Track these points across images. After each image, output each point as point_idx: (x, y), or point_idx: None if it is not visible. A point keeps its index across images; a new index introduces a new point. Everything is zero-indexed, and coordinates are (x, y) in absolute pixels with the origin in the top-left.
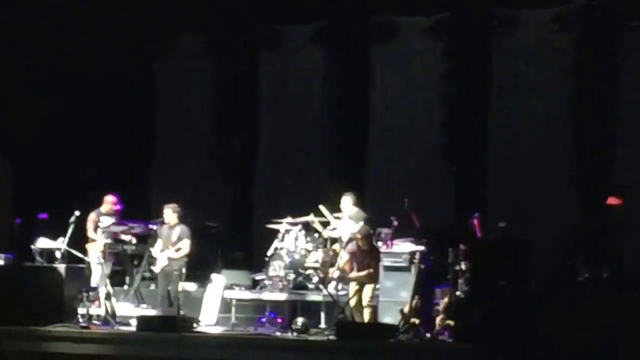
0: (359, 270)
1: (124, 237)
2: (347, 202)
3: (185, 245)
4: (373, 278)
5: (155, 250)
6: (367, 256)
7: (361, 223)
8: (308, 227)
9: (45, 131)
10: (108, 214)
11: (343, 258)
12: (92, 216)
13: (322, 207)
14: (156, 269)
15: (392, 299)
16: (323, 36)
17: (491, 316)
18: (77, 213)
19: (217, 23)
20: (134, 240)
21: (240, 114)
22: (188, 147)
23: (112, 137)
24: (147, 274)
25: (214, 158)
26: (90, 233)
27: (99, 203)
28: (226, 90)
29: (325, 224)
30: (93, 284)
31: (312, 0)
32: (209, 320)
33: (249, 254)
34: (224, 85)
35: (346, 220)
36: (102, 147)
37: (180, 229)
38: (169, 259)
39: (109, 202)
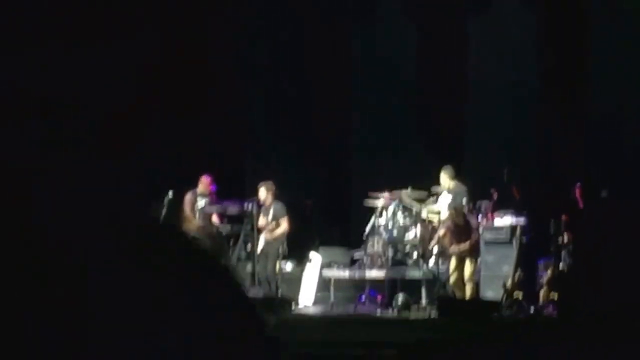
0: (457, 243)
1: (215, 218)
2: (445, 175)
3: (282, 224)
4: (472, 252)
5: (252, 230)
6: (463, 231)
7: (461, 196)
8: (406, 203)
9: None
10: (203, 195)
11: (440, 233)
12: (188, 196)
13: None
14: (258, 248)
15: (493, 273)
16: (417, 6)
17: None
18: (171, 193)
19: None
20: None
21: (332, 88)
22: (280, 123)
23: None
24: (244, 254)
25: (308, 135)
26: (189, 212)
27: (193, 182)
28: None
29: (423, 200)
30: None
31: None
32: (307, 300)
33: (346, 230)
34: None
35: (445, 194)
36: (196, 126)
37: (275, 207)
38: (266, 238)
39: (205, 182)
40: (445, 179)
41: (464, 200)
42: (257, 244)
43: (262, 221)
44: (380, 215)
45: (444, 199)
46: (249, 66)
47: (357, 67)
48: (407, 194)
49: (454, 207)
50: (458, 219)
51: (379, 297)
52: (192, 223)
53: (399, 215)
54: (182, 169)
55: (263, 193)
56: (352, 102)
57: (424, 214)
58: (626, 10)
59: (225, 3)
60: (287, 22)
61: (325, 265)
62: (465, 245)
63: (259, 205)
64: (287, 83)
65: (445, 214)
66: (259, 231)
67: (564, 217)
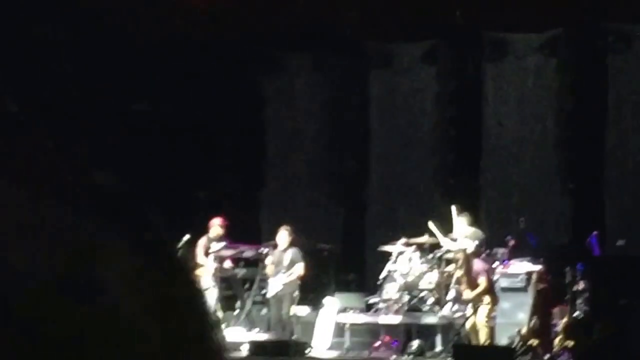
0: (471, 289)
1: (228, 263)
2: (462, 222)
3: (298, 268)
4: (488, 298)
5: (268, 274)
6: (477, 277)
7: (477, 243)
8: (422, 248)
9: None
10: (217, 238)
11: (456, 279)
12: (202, 241)
13: (431, 224)
14: (269, 293)
15: (509, 320)
16: (434, 54)
17: (612, 336)
18: (186, 237)
19: (327, 41)
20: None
21: (351, 135)
22: (298, 169)
23: (222, 159)
24: (259, 298)
25: (325, 179)
26: (201, 258)
27: (207, 228)
28: (336, 110)
29: (438, 246)
30: None
31: (422, 18)
32: (322, 345)
33: (362, 276)
34: (335, 106)
35: (461, 240)
36: (211, 170)
37: (292, 252)
38: (282, 282)
39: (217, 225)
40: (462, 226)
41: (480, 247)
42: (272, 288)
43: (278, 265)
44: (396, 261)
45: (460, 245)
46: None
47: (376, 114)
48: (421, 241)
49: (470, 253)
50: (473, 264)
51: (395, 343)
52: (205, 268)
53: (415, 261)
54: (198, 214)
55: (281, 237)
56: (370, 150)
57: (440, 259)
58: None
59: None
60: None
61: (341, 310)
62: (479, 291)
63: (276, 250)
64: (304, 129)
65: (461, 261)
66: (274, 275)
67: (579, 265)
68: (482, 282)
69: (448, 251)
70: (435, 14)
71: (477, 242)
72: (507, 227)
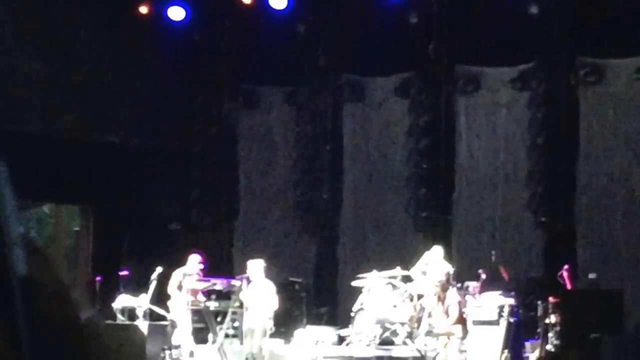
0: (443, 322)
1: (201, 296)
2: (434, 255)
3: (271, 302)
4: (459, 331)
5: (240, 307)
6: (449, 310)
7: (446, 276)
8: (394, 281)
9: (124, 188)
10: (192, 273)
11: (427, 312)
12: (176, 274)
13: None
14: (241, 326)
15: (481, 353)
16: (407, 88)
17: None
18: (159, 269)
19: (301, 75)
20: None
21: (324, 168)
22: (271, 201)
23: (195, 191)
24: (231, 331)
25: (298, 212)
26: (173, 291)
27: (180, 259)
28: (310, 143)
29: (410, 279)
30: (176, 342)
31: (395, 51)
32: None
33: (334, 309)
34: (308, 139)
35: (433, 273)
36: (184, 202)
37: (265, 285)
38: (253, 315)
39: (194, 261)
40: (433, 259)
41: (451, 280)
42: (244, 321)
43: (250, 298)
44: (368, 294)
45: (432, 279)
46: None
47: (349, 147)
48: (393, 274)
49: (441, 287)
50: (444, 298)
51: None
52: (178, 300)
53: (387, 294)
54: (172, 247)
55: (253, 270)
56: (343, 182)
57: (412, 292)
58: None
59: None
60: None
61: (314, 343)
62: (451, 324)
63: (248, 283)
64: (277, 162)
65: (433, 294)
66: (247, 308)
67: (551, 299)
68: (454, 315)
69: (420, 284)
70: (409, 47)
71: (448, 275)
72: (478, 260)
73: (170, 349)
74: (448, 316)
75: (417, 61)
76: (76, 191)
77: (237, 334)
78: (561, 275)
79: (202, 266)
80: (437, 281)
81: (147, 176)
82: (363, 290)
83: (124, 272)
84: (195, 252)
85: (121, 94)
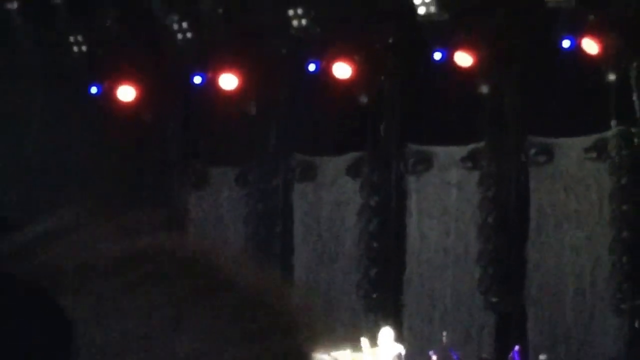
0: None
1: None
2: (384, 336)
3: None
4: None
5: None
6: None
7: (397, 357)
8: None
9: None
10: None
11: None
12: None
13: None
14: None
15: None
16: (358, 167)
17: None
18: None
19: (251, 155)
20: None
21: (274, 248)
22: None
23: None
24: None
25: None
26: None
27: None
28: (259, 224)
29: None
30: None
31: (346, 131)
32: None
33: None
34: (258, 219)
35: (383, 354)
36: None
37: None
38: None
39: None
40: (384, 340)
41: None
42: None
43: None
44: None
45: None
46: None
47: (299, 227)
48: (348, 354)
49: None
50: None
51: None
52: None
53: None
54: None
55: None
56: (293, 262)
57: None
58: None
59: None
60: None
61: None
62: None
63: None
64: (226, 241)
65: None
66: None
67: None
68: None
69: None
70: (360, 127)
71: (399, 357)
72: (429, 341)
73: None
74: None
75: (368, 141)
76: None
77: None
78: (512, 357)
79: None
80: None
81: None
82: None
83: None
84: None
85: (68, 172)
